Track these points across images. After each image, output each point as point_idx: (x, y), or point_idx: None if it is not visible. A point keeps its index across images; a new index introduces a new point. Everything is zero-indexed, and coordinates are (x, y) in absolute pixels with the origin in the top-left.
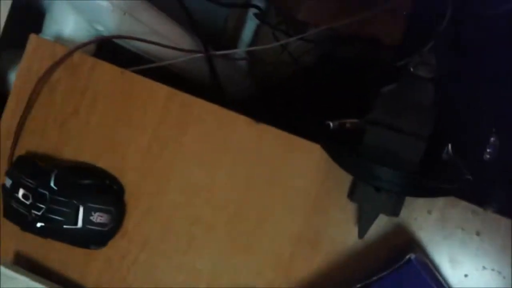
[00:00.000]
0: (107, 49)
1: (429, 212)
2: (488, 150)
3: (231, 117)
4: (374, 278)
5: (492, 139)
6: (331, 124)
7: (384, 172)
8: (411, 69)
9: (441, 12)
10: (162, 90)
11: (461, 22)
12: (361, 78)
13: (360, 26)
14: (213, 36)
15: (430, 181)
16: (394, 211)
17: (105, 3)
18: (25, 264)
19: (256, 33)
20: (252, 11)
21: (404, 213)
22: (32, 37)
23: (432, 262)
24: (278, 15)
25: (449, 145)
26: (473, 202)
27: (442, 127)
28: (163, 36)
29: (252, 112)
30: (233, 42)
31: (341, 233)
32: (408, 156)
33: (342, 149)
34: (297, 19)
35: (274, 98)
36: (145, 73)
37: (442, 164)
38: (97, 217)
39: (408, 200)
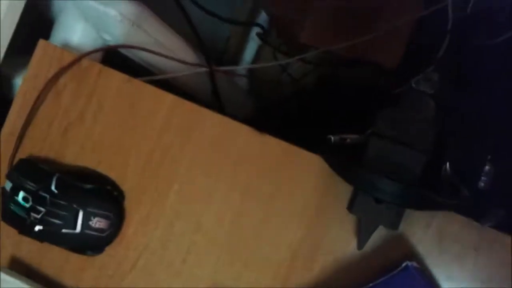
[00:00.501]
0: (113, 59)
1: (428, 226)
2: (483, 179)
3: (234, 126)
4: (371, 284)
5: (487, 167)
6: (332, 138)
7: (385, 184)
8: (413, 85)
9: (441, 38)
10: (167, 98)
11: (460, 50)
12: (360, 101)
13: (359, 50)
14: (215, 54)
15: (431, 194)
16: (394, 224)
17: (113, 13)
18: (21, 268)
19: (258, 53)
20: (254, 31)
21: (402, 227)
22: (41, 42)
23: (429, 272)
24: (279, 36)
25: (447, 164)
26: (471, 217)
27: (442, 146)
28: (168, 49)
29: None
30: (235, 61)
31: (340, 244)
32: (409, 168)
33: (344, 160)
34: (298, 41)
35: (273, 117)
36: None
37: (441, 180)
38: (96, 222)
39: (407, 213)
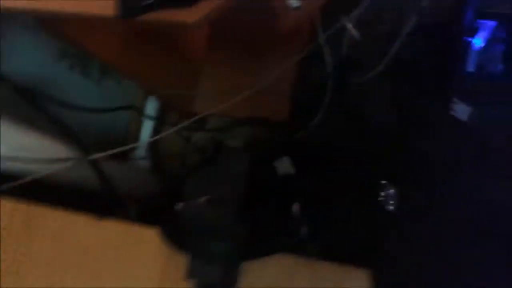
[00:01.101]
0: None
1: (260, 274)
2: (391, 202)
3: (73, 219)
4: None
5: (391, 191)
6: (177, 206)
7: (209, 245)
8: (225, 143)
9: (323, 83)
10: (6, 205)
11: (341, 89)
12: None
13: (250, 109)
14: (116, 142)
15: (256, 245)
16: (230, 282)
17: None
18: None
19: (156, 132)
20: (148, 111)
21: (242, 279)
22: None
23: None
24: (175, 111)
25: (294, 206)
26: (307, 255)
27: (289, 191)
28: (32, 150)
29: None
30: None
31: None
32: (227, 225)
33: (175, 230)
34: (191, 112)
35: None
36: (21, 191)
37: (286, 223)
38: None
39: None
